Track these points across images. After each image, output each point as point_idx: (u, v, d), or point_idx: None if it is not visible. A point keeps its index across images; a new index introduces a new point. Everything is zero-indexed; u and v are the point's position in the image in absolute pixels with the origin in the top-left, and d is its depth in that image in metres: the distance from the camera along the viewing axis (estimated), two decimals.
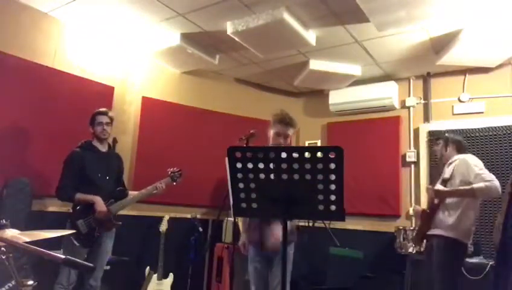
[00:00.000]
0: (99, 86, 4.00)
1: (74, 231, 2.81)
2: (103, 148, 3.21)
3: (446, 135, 3.35)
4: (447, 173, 3.04)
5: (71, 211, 3.07)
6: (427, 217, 3.02)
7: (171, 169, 3.38)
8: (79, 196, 3.00)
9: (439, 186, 2.98)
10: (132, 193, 3.32)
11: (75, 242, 2.90)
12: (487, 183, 2.73)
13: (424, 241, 3.19)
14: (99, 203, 3.02)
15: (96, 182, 3.08)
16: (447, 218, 2.90)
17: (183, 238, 4.38)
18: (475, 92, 4.28)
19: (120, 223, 3.18)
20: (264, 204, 1.78)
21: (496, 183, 2.72)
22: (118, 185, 3.28)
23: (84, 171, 3.05)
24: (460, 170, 2.94)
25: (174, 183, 3.37)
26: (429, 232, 3.01)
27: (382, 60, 4.28)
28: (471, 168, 2.87)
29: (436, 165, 4.20)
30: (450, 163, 3.08)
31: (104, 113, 3.20)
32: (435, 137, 3.44)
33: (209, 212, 4.71)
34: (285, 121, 2.75)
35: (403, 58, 4.19)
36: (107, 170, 3.18)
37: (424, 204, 4.27)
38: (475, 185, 2.77)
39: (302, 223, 4.33)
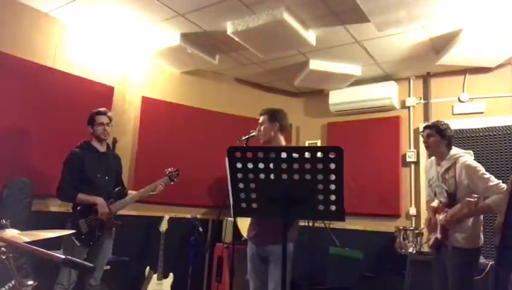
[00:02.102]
0: (99, 86, 4.00)
1: (75, 231, 2.82)
2: (102, 148, 3.21)
3: (439, 125, 2.96)
4: (449, 183, 2.86)
5: (71, 210, 3.08)
6: (443, 229, 2.90)
7: (169, 169, 3.41)
8: (81, 196, 3.01)
9: (456, 215, 2.78)
10: (131, 193, 3.34)
11: (77, 242, 2.90)
12: (500, 196, 2.60)
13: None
14: (102, 205, 3.03)
15: (96, 182, 3.09)
16: (459, 232, 2.81)
17: (183, 238, 4.38)
18: (475, 92, 4.28)
19: (120, 222, 3.19)
20: (264, 204, 1.79)
21: (505, 191, 2.58)
22: (117, 185, 3.29)
23: (84, 171, 3.06)
24: (465, 180, 2.78)
25: (172, 183, 3.39)
26: (445, 242, 2.91)
27: (382, 60, 4.28)
28: (481, 180, 2.72)
29: None
30: (448, 168, 2.89)
31: (104, 113, 3.20)
32: (426, 127, 3.03)
33: (209, 212, 4.71)
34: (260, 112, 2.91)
35: (403, 58, 4.19)
36: (107, 169, 3.19)
37: (423, 204, 4.28)
38: (491, 203, 2.66)
39: (302, 223, 4.33)
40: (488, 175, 2.75)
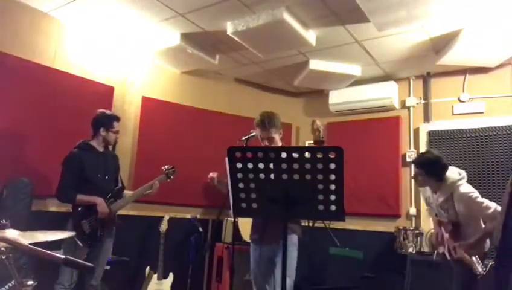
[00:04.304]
0: (99, 86, 4.00)
1: (76, 233, 2.81)
2: (100, 148, 3.21)
3: (426, 164, 2.87)
4: (450, 213, 2.84)
5: (71, 211, 3.07)
6: (450, 250, 2.89)
7: (165, 166, 3.43)
8: (80, 197, 3.00)
9: (462, 247, 2.75)
10: (128, 192, 3.34)
11: (79, 243, 2.90)
12: (495, 220, 2.60)
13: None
14: (102, 205, 3.03)
15: (95, 182, 3.09)
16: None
17: (183, 238, 4.38)
18: (475, 92, 4.28)
19: (121, 221, 3.19)
20: (264, 204, 1.79)
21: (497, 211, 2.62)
22: (116, 184, 3.29)
23: (84, 171, 3.05)
24: (462, 211, 2.78)
25: (169, 180, 3.41)
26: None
27: (382, 60, 4.28)
28: (479, 209, 2.72)
29: None
30: (446, 199, 2.84)
31: (119, 120, 3.23)
32: (415, 164, 2.98)
33: (209, 212, 4.70)
34: (263, 123, 2.70)
35: (403, 58, 4.19)
36: (106, 169, 3.19)
37: (423, 204, 4.27)
38: (490, 226, 2.68)
39: (302, 223, 4.33)
40: (485, 203, 2.72)
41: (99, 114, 3.19)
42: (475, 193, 2.77)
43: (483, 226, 2.81)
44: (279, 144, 2.81)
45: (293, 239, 2.72)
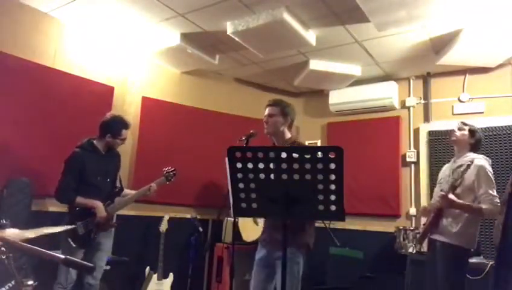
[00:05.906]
0: (99, 86, 4.00)
1: (73, 227, 2.81)
2: (103, 150, 3.19)
3: (474, 128, 3.03)
4: (456, 177, 2.83)
5: (68, 211, 3.06)
6: (434, 219, 2.92)
7: (166, 169, 3.41)
8: (79, 199, 2.98)
9: (452, 196, 2.77)
10: (127, 192, 3.33)
11: (72, 243, 2.90)
12: (493, 208, 2.65)
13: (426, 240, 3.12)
14: (100, 209, 3.01)
15: (95, 185, 3.07)
16: (451, 225, 2.82)
17: (183, 238, 4.38)
18: (475, 92, 4.28)
19: (116, 224, 3.19)
20: (264, 204, 1.79)
21: (499, 205, 2.63)
22: (115, 184, 3.29)
23: (84, 173, 3.03)
24: (470, 177, 2.79)
25: (168, 183, 3.40)
26: (433, 237, 2.93)
27: (382, 60, 4.28)
28: (487, 183, 2.74)
29: (436, 166, 4.20)
30: (462, 165, 2.83)
31: (129, 127, 3.19)
32: (463, 123, 3.09)
33: (209, 212, 4.70)
34: (269, 102, 2.73)
35: (403, 58, 4.19)
36: (107, 171, 3.18)
37: (423, 204, 4.27)
38: (484, 207, 2.69)
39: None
40: (494, 183, 2.77)
41: (109, 119, 3.12)
42: (492, 172, 2.82)
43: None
44: (281, 127, 2.68)
45: (297, 257, 2.47)
